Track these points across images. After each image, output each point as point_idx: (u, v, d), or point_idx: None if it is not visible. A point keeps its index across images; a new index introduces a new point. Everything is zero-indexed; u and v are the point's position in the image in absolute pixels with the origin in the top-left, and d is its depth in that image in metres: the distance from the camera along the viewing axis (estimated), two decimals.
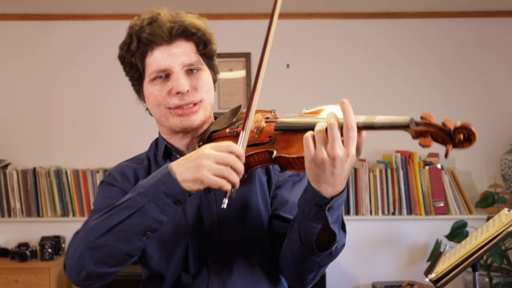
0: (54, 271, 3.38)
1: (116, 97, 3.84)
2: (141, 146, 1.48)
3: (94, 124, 3.85)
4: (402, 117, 0.99)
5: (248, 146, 1.15)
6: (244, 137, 1.11)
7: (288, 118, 1.14)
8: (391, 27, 3.89)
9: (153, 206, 1.05)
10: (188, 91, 1.23)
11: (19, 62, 3.86)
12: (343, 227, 1.14)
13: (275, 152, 1.10)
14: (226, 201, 1.05)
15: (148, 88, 1.26)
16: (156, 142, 1.38)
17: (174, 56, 1.23)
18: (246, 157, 1.13)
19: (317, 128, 1.01)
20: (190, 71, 1.25)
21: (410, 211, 3.63)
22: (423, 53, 3.89)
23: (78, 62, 3.86)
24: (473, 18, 3.87)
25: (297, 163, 1.08)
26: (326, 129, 0.99)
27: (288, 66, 3.84)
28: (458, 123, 0.97)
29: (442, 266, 1.97)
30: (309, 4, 3.64)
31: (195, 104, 1.24)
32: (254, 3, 3.59)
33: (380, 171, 3.63)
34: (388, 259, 3.70)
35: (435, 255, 2.67)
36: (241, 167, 1.05)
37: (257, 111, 1.22)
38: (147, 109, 1.35)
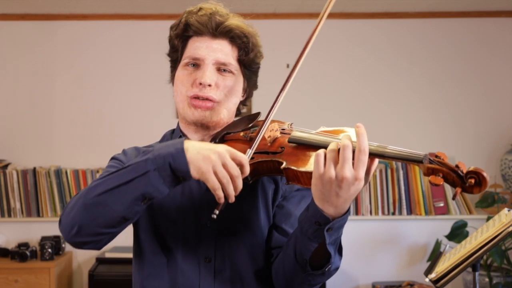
0: (54, 271, 3.38)
1: (116, 97, 3.84)
2: (141, 146, 1.48)
3: (94, 124, 3.85)
4: (417, 152, 1.00)
5: (258, 152, 1.15)
6: (257, 141, 1.12)
7: (303, 133, 1.15)
8: (391, 27, 3.89)
9: (156, 175, 1.05)
10: (210, 85, 1.24)
11: (19, 62, 3.86)
12: (339, 250, 1.13)
13: (284, 163, 1.10)
14: (217, 212, 1.06)
15: (179, 72, 1.29)
16: (172, 132, 1.40)
17: (211, 50, 1.25)
18: (255, 163, 1.14)
19: (330, 147, 1.01)
20: (221, 70, 1.27)
21: (410, 211, 3.63)
22: (423, 53, 3.89)
23: (78, 62, 3.86)
24: (473, 18, 3.87)
25: (304, 178, 1.08)
26: (339, 150, 1.00)
27: (288, 66, 3.84)
28: (472, 168, 0.98)
29: (442, 266, 1.97)
30: (309, 4, 3.64)
31: (209, 100, 1.25)
32: (254, 3, 3.59)
33: (380, 171, 3.63)
34: (388, 259, 3.70)
35: (435, 255, 2.67)
36: (240, 184, 1.06)
37: (274, 121, 1.23)
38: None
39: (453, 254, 2.05)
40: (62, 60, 3.86)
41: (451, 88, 3.86)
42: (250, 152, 1.12)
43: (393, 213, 3.63)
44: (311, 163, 1.06)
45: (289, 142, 1.14)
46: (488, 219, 3.20)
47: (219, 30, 1.26)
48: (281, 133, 1.20)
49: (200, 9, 1.28)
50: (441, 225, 3.58)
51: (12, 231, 3.68)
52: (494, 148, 3.83)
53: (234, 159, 1.06)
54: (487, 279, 3.31)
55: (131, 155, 1.34)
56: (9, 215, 3.64)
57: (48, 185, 3.64)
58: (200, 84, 1.24)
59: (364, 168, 0.99)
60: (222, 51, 1.26)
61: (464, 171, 0.98)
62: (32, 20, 3.84)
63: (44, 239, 3.49)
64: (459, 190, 0.98)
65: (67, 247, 3.68)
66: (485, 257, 3.21)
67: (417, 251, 3.70)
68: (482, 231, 2.02)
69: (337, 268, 1.14)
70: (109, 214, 1.08)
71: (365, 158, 0.99)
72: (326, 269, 1.11)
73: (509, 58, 3.89)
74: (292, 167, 1.08)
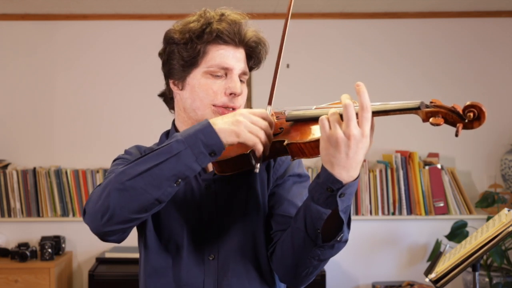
0: (54, 271, 3.38)
1: (116, 97, 3.84)
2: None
3: (94, 124, 3.85)
4: (413, 101, 1.03)
5: None
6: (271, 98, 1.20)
7: (299, 111, 1.19)
8: (391, 27, 3.89)
9: (189, 153, 1.07)
10: (239, 95, 1.28)
11: (19, 62, 3.86)
12: (348, 223, 1.13)
13: (286, 140, 1.13)
14: (258, 165, 1.12)
15: (199, 78, 1.27)
16: (166, 134, 1.42)
17: (237, 60, 1.28)
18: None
19: (331, 111, 1.04)
20: (240, 79, 1.30)
21: (410, 211, 3.63)
22: (423, 53, 3.89)
23: (78, 62, 3.86)
24: (473, 18, 3.87)
25: (309, 148, 1.10)
26: (340, 115, 1.02)
27: (288, 66, 3.84)
28: (468, 102, 0.99)
29: (442, 266, 1.97)
30: (309, 4, 3.64)
31: (233, 109, 1.28)
32: (254, 3, 3.59)
33: (380, 171, 3.63)
34: (388, 259, 3.70)
35: (435, 255, 2.67)
36: (271, 132, 1.12)
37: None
38: (171, 97, 1.37)
39: (453, 254, 2.05)
40: (62, 60, 3.86)
41: (451, 88, 3.86)
42: (269, 108, 1.18)
43: (393, 213, 3.63)
44: (313, 133, 1.10)
45: (287, 121, 1.18)
46: (488, 219, 3.21)
47: (242, 40, 1.29)
48: (277, 118, 1.23)
49: (222, 15, 1.29)
50: (441, 225, 3.58)
51: (12, 231, 3.68)
52: (494, 148, 3.83)
53: (255, 115, 1.11)
54: (487, 279, 3.31)
55: (135, 154, 1.34)
56: (9, 215, 3.64)
57: (48, 185, 3.64)
58: (231, 94, 1.26)
59: (369, 125, 1.01)
60: (243, 60, 1.30)
61: (461, 108, 1.00)
62: (32, 20, 3.84)
63: (44, 239, 3.49)
64: (460, 126, 0.99)
65: (67, 247, 3.68)
66: (485, 257, 3.21)
67: (417, 251, 3.70)
68: (482, 231, 2.02)
69: (346, 241, 1.14)
70: (142, 198, 1.08)
71: (369, 115, 1.01)
72: (338, 238, 1.11)
73: (509, 58, 3.89)
74: (295, 141, 1.11)
